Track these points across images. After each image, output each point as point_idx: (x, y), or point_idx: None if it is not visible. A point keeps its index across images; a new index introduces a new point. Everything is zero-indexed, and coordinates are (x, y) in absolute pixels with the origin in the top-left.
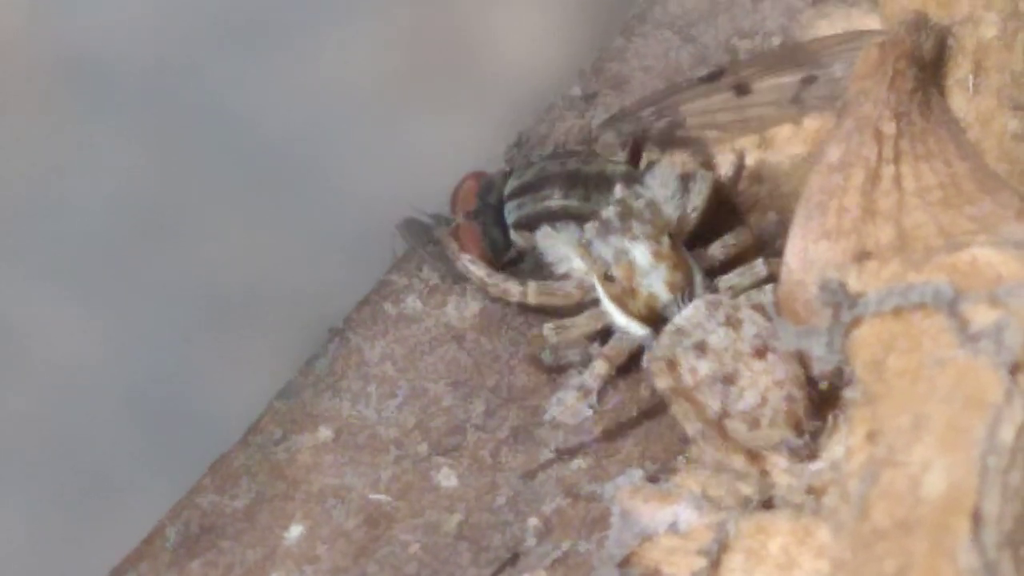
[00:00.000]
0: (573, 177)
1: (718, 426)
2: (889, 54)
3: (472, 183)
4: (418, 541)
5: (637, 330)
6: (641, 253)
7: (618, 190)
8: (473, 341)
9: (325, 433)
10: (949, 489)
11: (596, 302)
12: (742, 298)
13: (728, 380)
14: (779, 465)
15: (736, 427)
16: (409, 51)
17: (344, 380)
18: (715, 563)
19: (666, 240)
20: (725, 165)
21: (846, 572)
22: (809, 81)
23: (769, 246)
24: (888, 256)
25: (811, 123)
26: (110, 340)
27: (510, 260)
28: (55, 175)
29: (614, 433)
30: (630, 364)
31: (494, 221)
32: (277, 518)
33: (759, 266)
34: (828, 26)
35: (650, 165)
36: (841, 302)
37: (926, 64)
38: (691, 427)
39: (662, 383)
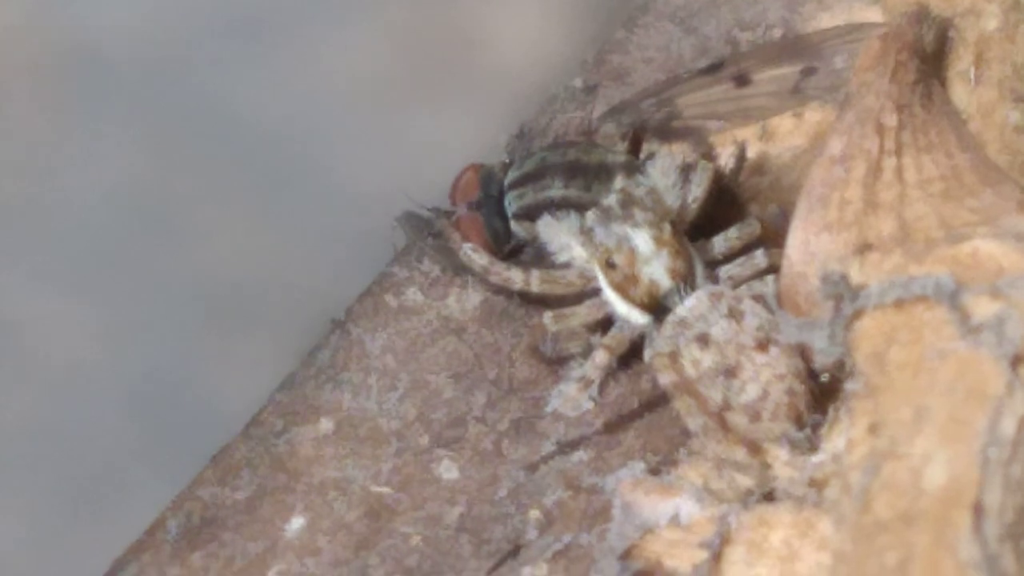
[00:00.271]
0: (574, 167)
1: (719, 419)
2: (891, 46)
3: (472, 174)
4: (419, 533)
5: (638, 318)
6: (643, 240)
7: (619, 179)
8: (474, 333)
9: (326, 425)
10: (950, 481)
11: (597, 291)
12: (743, 288)
13: (730, 373)
14: (780, 458)
15: (737, 420)
16: (410, 43)
17: (345, 372)
18: (717, 556)
19: (667, 227)
20: (726, 157)
21: (848, 564)
22: (809, 72)
23: (771, 238)
24: (890, 248)
25: (812, 115)
26: (112, 334)
27: (511, 251)
28: (54, 170)
29: (615, 425)
30: (631, 356)
31: (495, 212)
32: (278, 510)
33: (759, 256)
34: (830, 18)
35: (651, 155)
36: (843, 294)
37: (928, 56)
38: (693, 422)
39: (665, 378)
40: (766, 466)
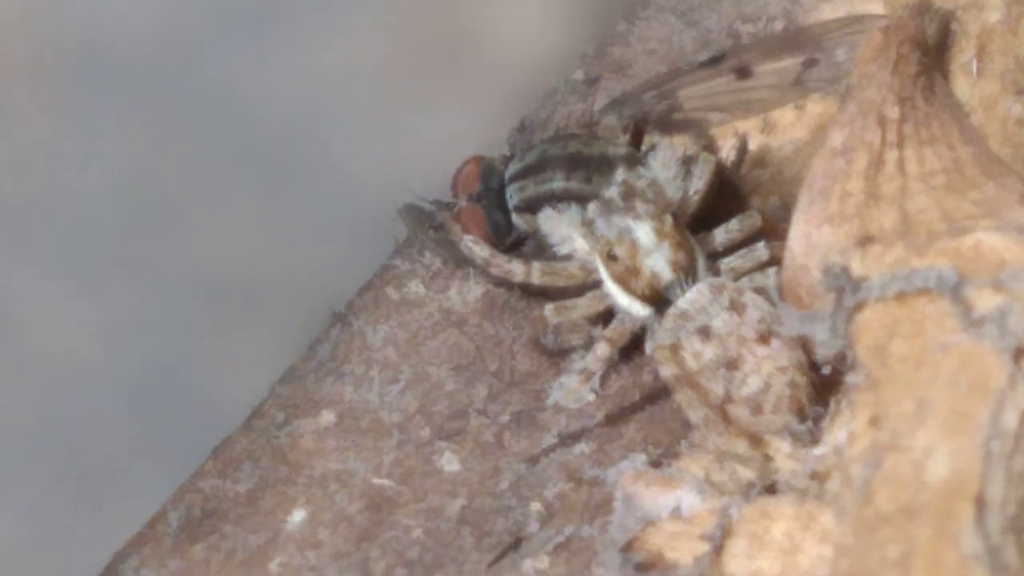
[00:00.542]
0: (575, 159)
1: (721, 411)
2: (893, 38)
3: (473, 166)
4: (420, 526)
5: (639, 311)
6: (644, 232)
7: (620, 172)
8: (476, 326)
9: (328, 417)
10: (952, 474)
11: (599, 284)
12: (745, 281)
13: (731, 366)
14: (782, 450)
15: (739, 412)
16: (411, 36)
17: (347, 365)
18: (718, 548)
19: (669, 219)
20: (727, 149)
21: (849, 557)
22: (811, 64)
23: (772, 230)
24: (891, 241)
25: (814, 108)
26: (112, 327)
27: (512, 243)
28: (54, 165)
29: (617, 418)
30: (632, 349)
31: (496, 204)
32: (279, 502)
33: (760, 249)
34: (831, 10)
35: (652, 148)
36: (844, 287)
37: (930, 48)
38: (695, 414)
39: (667, 370)
40: (768, 459)
